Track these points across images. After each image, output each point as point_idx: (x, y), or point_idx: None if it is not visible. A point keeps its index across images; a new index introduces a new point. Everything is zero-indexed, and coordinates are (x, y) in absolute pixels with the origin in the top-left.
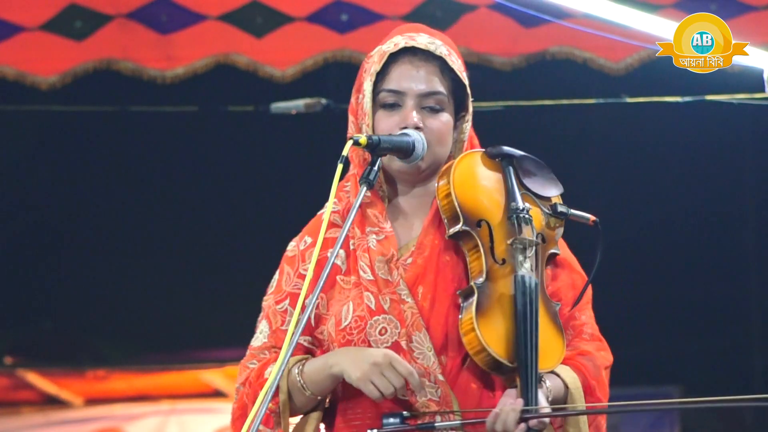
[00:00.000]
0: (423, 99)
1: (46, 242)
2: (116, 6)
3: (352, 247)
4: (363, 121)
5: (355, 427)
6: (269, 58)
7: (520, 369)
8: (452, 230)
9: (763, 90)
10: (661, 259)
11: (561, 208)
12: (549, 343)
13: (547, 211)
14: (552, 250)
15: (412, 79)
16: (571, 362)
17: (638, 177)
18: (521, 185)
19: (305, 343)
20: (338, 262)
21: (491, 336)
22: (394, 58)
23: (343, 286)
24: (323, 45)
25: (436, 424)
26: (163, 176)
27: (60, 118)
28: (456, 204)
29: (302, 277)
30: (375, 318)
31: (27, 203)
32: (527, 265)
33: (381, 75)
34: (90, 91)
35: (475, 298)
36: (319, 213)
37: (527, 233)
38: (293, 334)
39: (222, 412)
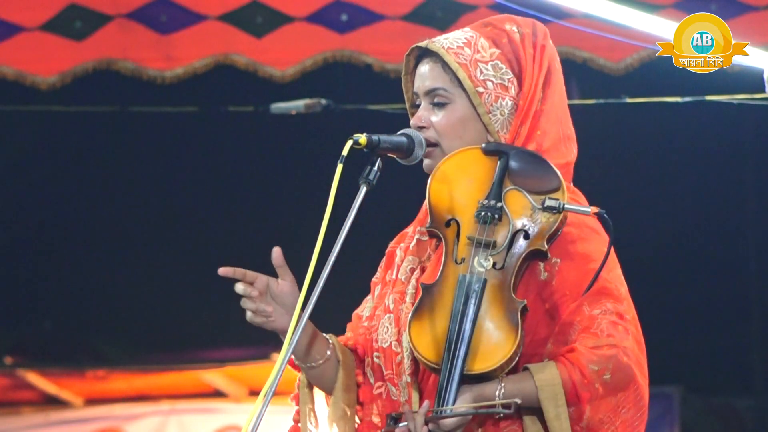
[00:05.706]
0: (429, 96)
1: (46, 242)
2: (116, 6)
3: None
4: None
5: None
6: (269, 58)
7: (441, 369)
8: (424, 228)
9: (763, 90)
10: (661, 260)
11: (550, 203)
12: (489, 344)
13: (537, 206)
14: (535, 247)
15: (419, 79)
16: (558, 359)
17: (638, 177)
18: (511, 181)
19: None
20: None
21: (420, 337)
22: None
23: (375, 280)
24: (323, 45)
25: (397, 427)
26: (163, 176)
27: (60, 118)
28: (428, 202)
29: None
30: (387, 316)
31: (27, 203)
32: (487, 263)
33: None
34: (90, 91)
35: (417, 299)
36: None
37: (491, 231)
38: (293, 332)
39: (222, 412)
